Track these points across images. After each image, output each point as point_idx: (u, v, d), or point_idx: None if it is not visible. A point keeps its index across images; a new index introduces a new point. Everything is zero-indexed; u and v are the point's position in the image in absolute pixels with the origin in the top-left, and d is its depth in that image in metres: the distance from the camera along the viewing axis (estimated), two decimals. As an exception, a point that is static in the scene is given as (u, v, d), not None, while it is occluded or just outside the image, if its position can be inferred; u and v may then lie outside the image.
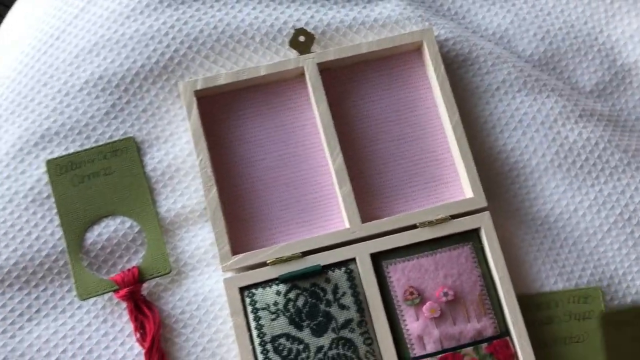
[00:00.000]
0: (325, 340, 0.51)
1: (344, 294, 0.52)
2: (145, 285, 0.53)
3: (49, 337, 0.52)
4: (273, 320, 0.51)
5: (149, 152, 0.57)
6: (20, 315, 0.53)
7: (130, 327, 0.53)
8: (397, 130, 0.57)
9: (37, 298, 0.53)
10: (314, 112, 0.57)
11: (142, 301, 0.53)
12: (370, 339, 0.51)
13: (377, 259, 0.53)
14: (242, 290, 0.52)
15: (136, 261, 0.54)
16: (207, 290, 0.54)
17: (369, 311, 0.52)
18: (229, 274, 0.53)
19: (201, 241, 0.55)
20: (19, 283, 0.53)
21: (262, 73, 0.56)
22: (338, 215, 0.56)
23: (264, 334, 0.51)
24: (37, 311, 0.53)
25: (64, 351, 0.52)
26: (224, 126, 0.57)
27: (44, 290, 0.53)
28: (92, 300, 0.53)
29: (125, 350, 0.52)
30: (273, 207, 0.56)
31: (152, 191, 0.56)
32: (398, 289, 0.52)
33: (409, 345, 0.51)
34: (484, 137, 0.58)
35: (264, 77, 0.56)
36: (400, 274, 0.53)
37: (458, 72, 0.59)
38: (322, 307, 0.51)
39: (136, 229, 0.55)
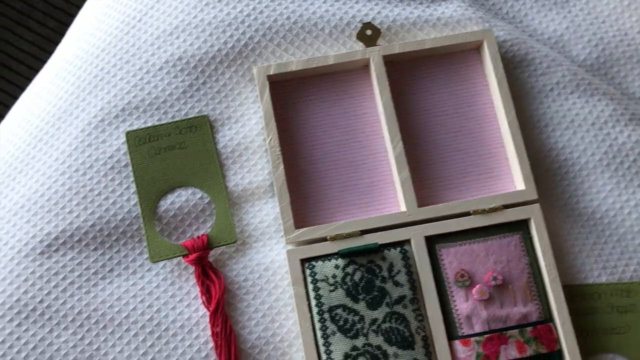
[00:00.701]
0: (379, 313, 0.54)
1: (398, 272, 0.55)
2: (212, 252, 0.57)
3: (120, 296, 0.57)
4: (331, 291, 0.55)
5: (221, 130, 0.61)
6: (95, 273, 0.57)
7: (196, 290, 0.57)
8: (454, 124, 0.61)
9: (111, 259, 0.57)
10: (376, 101, 0.60)
11: (208, 267, 0.57)
12: (421, 315, 0.54)
13: (431, 241, 0.56)
14: (303, 262, 0.56)
15: (204, 230, 0.58)
16: (269, 261, 0.58)
17: (421, 290, 0.55)
18: (290, 247, 0.56)
19: (265, 215, 0.59)
20: (95, 244, 0.58)
21: (330, 62, 0.60)
22: (393, 199, 0.59)
23: (322, 304, 0.54)
24: (111, 270, 0.57)
25: (134, 309, 0.56)
26: (292, 110, 0.61)
27: (118, 251, 0.58)
28: (162, 263, 0.57)
29: (190, 312, 0.56)
30: (333, 188, 0.59)
31: (222, 166, 0.60)
32: (449, 270, 0.56)
33: (457, 324, 0.54)
34: (537, 134, 0.61)
35: (332, 66, 0.60)
36: (452, 257, 0.56)
37: (514, 72, 0.62)
38: (378, 282, 0.55)
39: (206, 200, 0.59)
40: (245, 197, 0.60)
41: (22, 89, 1.10)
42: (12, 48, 1.19)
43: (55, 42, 0.76)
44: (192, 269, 0.57)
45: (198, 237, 0.57)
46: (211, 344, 0.55)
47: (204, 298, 0.56)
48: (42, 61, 1.01)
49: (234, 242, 0.58)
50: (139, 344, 0.55)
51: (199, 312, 0.56)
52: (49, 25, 1.19)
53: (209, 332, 0.56)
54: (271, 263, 0.58)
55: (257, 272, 0.58)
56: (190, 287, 0.57)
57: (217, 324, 0.55)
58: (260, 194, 0.60)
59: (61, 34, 0.79)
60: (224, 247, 0.58)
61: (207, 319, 0.56)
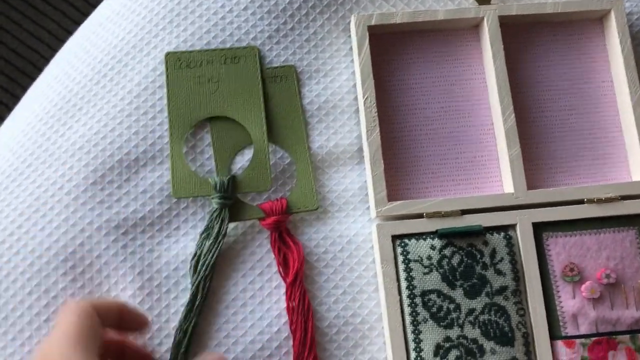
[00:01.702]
0: (477, 303, 0.48)
1: (501, 259, 0.49)
2: (290, 218, 0.52)
3: (183, 254, 0.51)
4: (425, 274, 0.49)
5: (308, 84, 0.54)
6: (160, 230, 0.51)
7: (269, 258, 0.51)
8: (568, 101, 0.54)
9: (177, 215, 0.51)
10: (486, 67, 0.54)
11: (286, 233, 0.51)
12: (523, 309, 0.49)
13: (538, 229, 0.50)
14: (394, 238, 0.50)
15: (282, 193, 0.52)
16: (352, 233, 0.52)
17: (524, 281, 0.49)
18: (379, 221, 0.50)
19: (350, 183, 0.53)
20: (161, 196, 0.52)
21: (439, 17, 0.53)
22: (497, 179, 0.53)
23: (414, 287, 0.49)
24: (177, 228, 0.51)
25: (199, 273, 0.51)
26: (390, 68, 0.54)
27: (186, 207, 0.52)
28: (233, 224, 0.52)
29: (263, 281, 0.51)
30: (430, 160, 0.53)
31: (306, 125, 0.54)
32: (557, 263, 0.50)
33: (561, 323, 0.49)
34: (658, 121, 0.55)
35: (440, 22, 0.53)
36: (560, 248, 0.50)
37: (638, 49, 0.56)
38: (478, 269, 0.49)
39: (286, 161, 0.53)
40: (329, 161, 0.53)
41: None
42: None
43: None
44: (266, 234, 0.51)
45: (277, 199, 0.52)
46: (285, 319, 0.50)
47: (280, 268, 0.50)
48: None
49: (316, 209, 0.52)
50: (202, 312, 0.50)
51: (272, 283, 0.51)
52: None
53: (284, 305, 0.50)
54: (355, 236, 0.52)
55: (338, 245, 0.52)
56: (264, 253, 0.51)
57: (294, 298, 0.50)
58: (346, 159, 0.54)
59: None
60: (305, 213, 0.52)
61: (283, 291, 0.50)
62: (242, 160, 0.53)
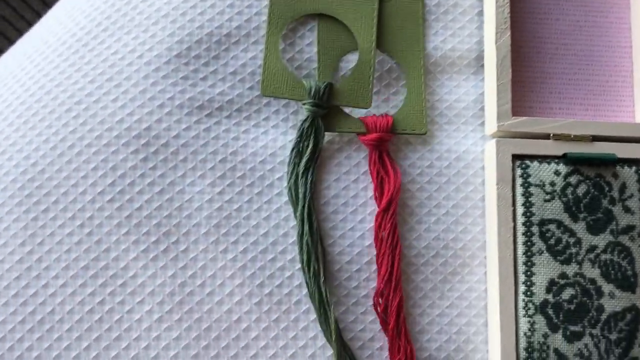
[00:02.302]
0: (600, 240, 0.43)
1: (631, 195, 0.44)
2: (393, 138, 0.45)
3: (275, 151, 0.45)
4: (546, 201, 0.43)
5: (428, -24, 0.48)
6: (248, 118, 0.45)
7: (366, 180, 0.45)
8: None
9: (277, 112, 0.45)
10: (634, -18, 0.47)
11: (387, 155, 0.45)
12: (650, 254, 0.43)
13: (676, 168, 0.45)
14: (514, 158, 0.44)
15: (386, 109, 0.46)
16: (462, 150, 0.46)
17: (654, 223, 0.44)
18: (493, 139, 0.44)
19: (464, 94, 0.47)
20: (251, 81, 0.46)
21: None
22: (629, 108, 0.47)
23: (532, 214, 0.43)
24: (266, 119, 0.45)
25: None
26: (525, -31, 0.48)
27: (286, 105, 0.45)
28: (327, 136, 0.45)
29: (356, 205, 0.44)
30: (558, 78, 0.47)
31: (424, 23, 0.47)
32: (692, 208, 0.44)
33: (689, 275, 0.44)
34: None
35: None
36: (698, 192, 0.44)
37: None
38: (605, 203, 0.43)
39: (394, 75, 0.46)
40: (443, 66, 0.47)
41: None
42: None
43: None
44: (363, 152, 0.45)
45: (382, 115, 0.45)
46: (369, 243, 0.44)
47: (376, 193, 0.45)
48: None
49: (423, 134, 0.46)
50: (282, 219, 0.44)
51: (366, 208, 0.45)
52: None
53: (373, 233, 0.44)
54: (464, 153, 0.46)
55: (445, 160, 0.46)
56: (360, 174, 0.45)
57: (384, 227, 0.44)
58: (462, 67, 0.47)
59: None
60: (410, 136, 0.46)
61: (374, 218, 0.44)
62: (344, 69, 0.47)
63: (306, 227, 0.42)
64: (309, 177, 0.43)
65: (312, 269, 0.42)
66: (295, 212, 0.43)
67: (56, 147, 0.44)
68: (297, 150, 0.44)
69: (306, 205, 0.43)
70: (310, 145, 0.44)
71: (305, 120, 0.44)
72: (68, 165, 0.44)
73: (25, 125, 0.45)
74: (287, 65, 0.46)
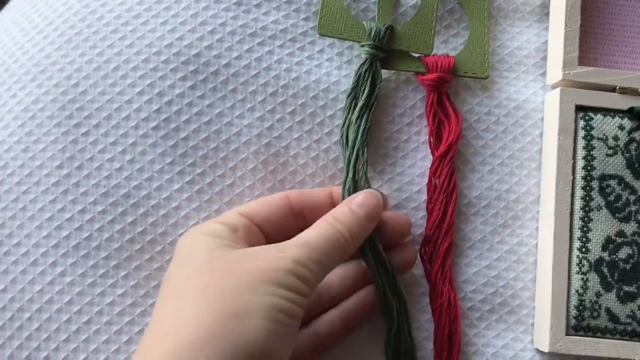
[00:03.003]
0: (661, 200, 0.41)
1: (696, 156, 0.42)
2: (453, 81, 0.43)
3: (329, 87, 0.43)
4: (609, 156, 0.41)
5: None
6: (301, 49, 0.43)
7: (421, 124, 0.43)
8: None
9: (323, 37, 0.43)
10: None
11: (447, 97, 0.43)
12: None
13: None
14: (577, 109, 0.42)
15: (445, 51, 0.44)
16: (522, 99, 0.44)
17: None
18: (554, 90, 0.43)
19: (526, 42, 0.45)
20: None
21: None
22: (698, 68, 0.45)
23: (593, 168, 0.41)
24: (321, 52, 0.43)
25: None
26: None
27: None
28: (384, 74, 0.42)
29: (407, 150, 0.43)
30: (626, 32, 0.45)
31: (488, -39, 0.45)
32: None
33: None
34: None
35: None
36: None
37: None
38: (669, 162, 0.42)
39: (456, 15, 0.44)
40: (506, 11, 0.45)
41: None
42: None
43: None
44: (421, 94, 0.43)
45: (444, 55, 0.43)
46: (425, 197, 0.43)
47: (431, 138, 0.43)
48: None
49: (485, 78, 0.43)
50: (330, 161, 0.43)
51: (418, 153, 0.43)
52: None
53: (425, 181, 0.43)
54: (524, 102, 0.44)
55: (504, 108, 0.44)
56: (415, 117, 0.43)
57: (440, 174, 0.42)
58: (525, 13, 0.45)
59: None
60: (470, 80, 0.44)
61: (428, 165, 0.43)
62: (406, 12, 0.44)
63: (350, 174, 0.41)
64: (361, 124, 0.41)
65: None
66: (344, 159, 0.41)
67: (100, 69, 0.42)
68: (354, 95, 0.42)
69: (354, 153, 0.41)
70: (366, 90, 0.41)
71: (363, 64, 0.42)
72: (112, 89, 0.42)
73: (67, 44, 0.43)
74: (347, 4, 0.43)
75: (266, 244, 0.37)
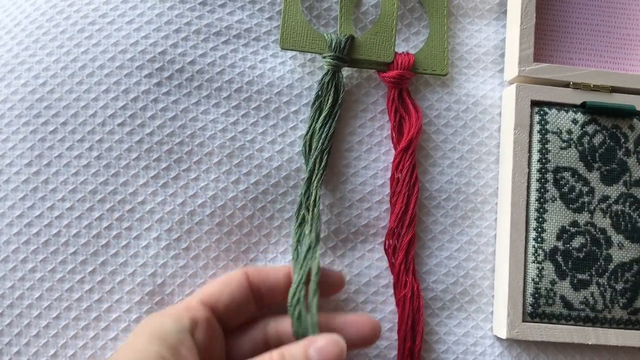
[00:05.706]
0: (613, 191, 0.43)
1: (646, 148, 0.44)
2: (413, 78, 0.45)
3: (292, 83, 0.44)
4: (562, 149, 0.43)
5: None
6: (266, 47, 0.44)
7: (383, 119, 0.44)
8: None
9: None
10: None
11: (407, 94, 0.44)
12: (660, 207, 0.43)
13: (692, 124, 0.44)
14: (533, 105, 0.44)
15: (406, 49, 0.45)
16: (480, 95, 0.45)
17: (667, 177, 0.44)
18: (511, 86, 0.44)
19: (484, 39, 0.46)
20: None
21: None
22: (649, 64, 0.47)
23: (547, 161, 0.43)
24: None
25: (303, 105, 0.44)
26: None
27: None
28: (346, 73, 0.44)
29: (371, 144, 0.44)
30: (579, 29, 0.46)
31: (448, -39, 0.46)
32: None
33: (697, 230, 0.44)
34: None
35: None
36: None
37: None
38: (620, 154, 0.43)
39: (416, 14, 0.45)
40: (465, 9, 0.46)
41: None
42: None
43: None
44: (382, 90, 0.45)
45: (404, 53, 0.45)
46: (382, 182, 0.44)
47: (394, 133, 0.44)
48: None
49: (445, 75, 0.45)
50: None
51: (381, 148, 0.44)
52: None
53: (389, 174, 0.44)
54: (482, 98, 0.45)
55: (463, 104, 0.45)
56: (377, 113, 0.44)
57: (402, 167, 0.43)
58: (484, 11, 0.46)
59: None
60: (429, 77, 0.45)
61: (391, 159, 0.44)
62: (365, 21, 0.45)
63: (314, 177, 0.42)
64: (324, 132, 0.42)
65: (299, 217, 0.41)
66: (306, 165, 0.42)
67: (67, 67, 0.43)
68: (318, 105, 0.43)
69: (318, 157, 0.42)
70: (330, 100, 0.43)
71: (326, 74, 0.43)
72: (79, 87, 0.43)
73: (35, 44, 0.43)
74: (306, 16, 0.44)
75: (222, 332, 0.37)
